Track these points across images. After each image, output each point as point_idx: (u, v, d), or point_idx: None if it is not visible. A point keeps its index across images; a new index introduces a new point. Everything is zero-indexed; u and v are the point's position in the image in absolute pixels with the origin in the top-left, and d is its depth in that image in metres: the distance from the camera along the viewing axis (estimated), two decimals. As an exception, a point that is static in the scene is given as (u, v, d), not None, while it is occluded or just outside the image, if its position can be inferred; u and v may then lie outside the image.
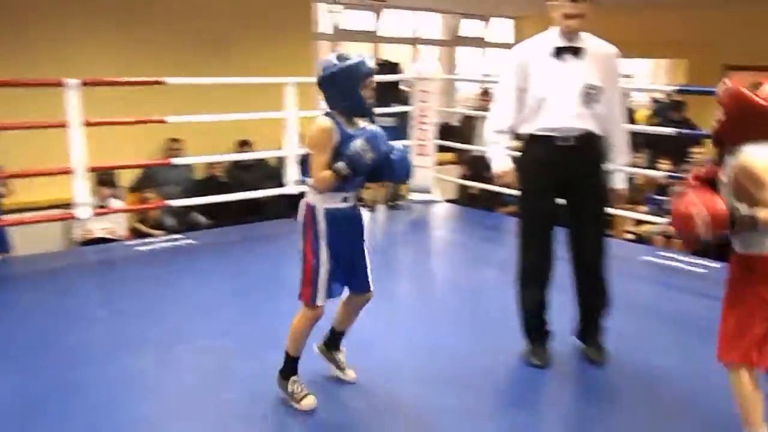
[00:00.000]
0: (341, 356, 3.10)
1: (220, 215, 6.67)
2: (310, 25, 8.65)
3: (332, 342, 3.08)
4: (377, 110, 6.69)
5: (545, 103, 3.07)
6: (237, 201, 6.12)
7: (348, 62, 2.62)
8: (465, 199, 7.48)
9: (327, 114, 2.68)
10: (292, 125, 5.76)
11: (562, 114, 3.06)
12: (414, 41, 10.02)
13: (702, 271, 4.79)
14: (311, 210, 2.72)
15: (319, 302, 2.75)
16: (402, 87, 6.82)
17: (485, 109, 7.58)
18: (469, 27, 10.71)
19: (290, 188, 5.89)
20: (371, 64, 2.66)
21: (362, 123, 2.71)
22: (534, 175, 3.18)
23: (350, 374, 3.08)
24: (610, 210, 3.63)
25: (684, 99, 8.68)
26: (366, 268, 2.86)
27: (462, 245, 5.65)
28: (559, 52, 3.07)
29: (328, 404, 2.88)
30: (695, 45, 9.40)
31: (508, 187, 3.42)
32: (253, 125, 6.45)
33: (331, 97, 2.68)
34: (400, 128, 6.80)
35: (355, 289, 2.88)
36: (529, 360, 3.24)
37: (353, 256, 2.82)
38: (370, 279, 2.87)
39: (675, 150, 7.02)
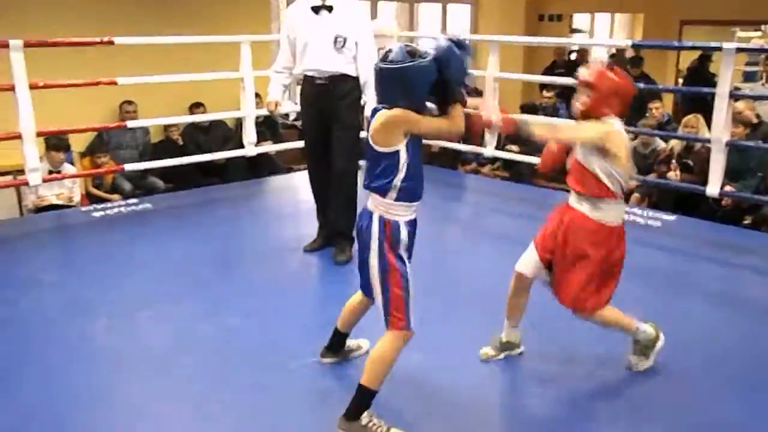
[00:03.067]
0: (351, 343, 2.95)
1: (178, 178, 6.54)
2: (265, -18, 8.44)
3: (338, 345, 2.93)
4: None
5: (306, 49, 3.90)
6: (195, 164, 6.02)
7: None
8: (426, 157, 7.45)
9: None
10: (248, 85, 5.64)
11: (316, 58, 3.90)
12: (376, -2, 9.87)
13: (657, 224, 4.87)
14: (391, 225, 2.41)
15: (413, 324, 2.46)
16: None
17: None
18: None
19: (249, 149, 5.80)
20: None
21: None
22: (304, 107, 4.09)
23: (365, 344, 2.96)
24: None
25: (642, 54, 8.74)
26: None
27: (424, 203, 5.63)
28: (318, 9, 3.88)
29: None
30: (652, 0, 9.41)
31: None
32: (208, 85, 6.30)
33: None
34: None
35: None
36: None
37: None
38: None
39: (633, 104, 7.06)
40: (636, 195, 6.28)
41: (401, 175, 2.38)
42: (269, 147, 6.78)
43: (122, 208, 5.21)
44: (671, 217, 5.00)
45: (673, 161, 6.02)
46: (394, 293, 2.41)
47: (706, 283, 3.66)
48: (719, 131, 4.61)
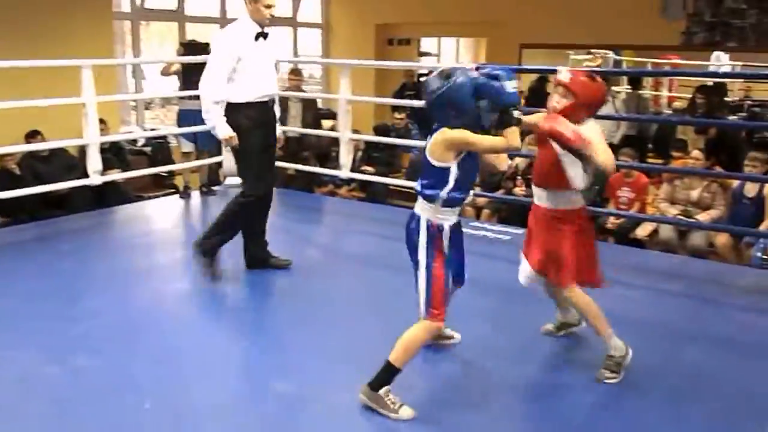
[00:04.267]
0: (446, 331, 3.20)
1: (15, 211, 6.11)
2: (108, 3, 8.12)
3: None
4: (186, 93, 6.47)
5: (259, 76, 4.01)
6: (35, 195, 5.65)
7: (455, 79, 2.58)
8: (281, 180, 7.41)
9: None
10: (91, 111, 5.37)
11: (268, 83, 4.10)
12: (222, 21, 9.73)
13: (507, 238, 5.10)
14: (437, 227, 2.70)
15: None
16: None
17: (298, 89, 7.58)
18: (278, 6, 10.59)
19: (94, 178, 5.51)
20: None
21: None
22: (258, 133, 4.04)
23: (456, 335, 3.30)
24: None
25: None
26: None
27: (281, 228, 5.58)
28: (257, 36, 4.01)
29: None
30: (493, 25, 9.91)
31: (233, 149, 4.07)
32: (47, 112, 5.94)
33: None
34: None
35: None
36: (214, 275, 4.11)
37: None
38: None
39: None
40: (486, 211, 6.56)
41: (449, 187, 2.64)
42: (117, 175, 6.49)
43: (-49, 246, 4.79)
44: (519, 231, 5.23)
45: (518, 177, 6.34)
46: (436, 288, 2.68)
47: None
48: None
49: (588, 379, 3.01)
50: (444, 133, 2.61)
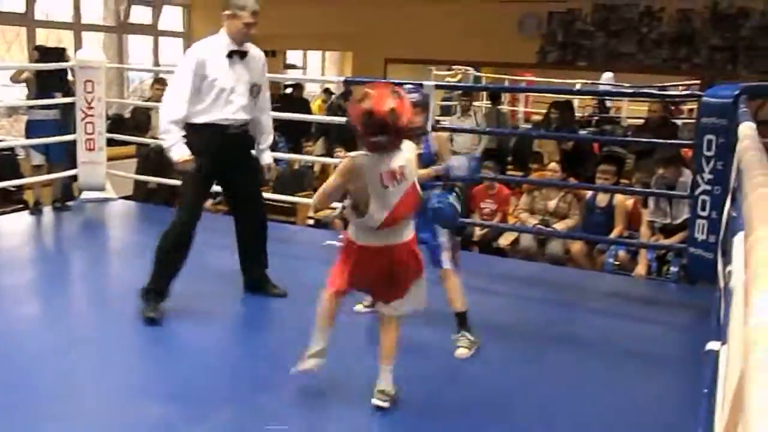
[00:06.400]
0: None
1: None
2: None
3: None
4: (36, 102, 6.06)
5: (224, 97, 3.62)
6: None
7: None
8: (142, 194, 7.12)
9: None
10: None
11: (236, 107, 3.67)
12: (76, 26, 9.24)
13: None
14: None
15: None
16: (70, 77, 6.21)
17: (160, 99, 7.30)
18: (138, 13, 10.20)
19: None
20: None
21: None
22: (206, 159, 3.61)
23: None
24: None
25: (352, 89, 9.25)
26: None
27: (142, 245, 5.33)
28: (232, 54, 3.64)
29: None
30: (358, 39, 10.03)
31: (184, 173, 3.65)
32: None
33: None
34: (64, 121, 6.19)
35: None
36: (151, 316, 3.57)
37: None
38: None
39: (350, 138, 7.41)
40: (338, 222, 6.57)
41: None
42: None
43: None
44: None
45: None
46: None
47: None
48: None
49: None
50: None
